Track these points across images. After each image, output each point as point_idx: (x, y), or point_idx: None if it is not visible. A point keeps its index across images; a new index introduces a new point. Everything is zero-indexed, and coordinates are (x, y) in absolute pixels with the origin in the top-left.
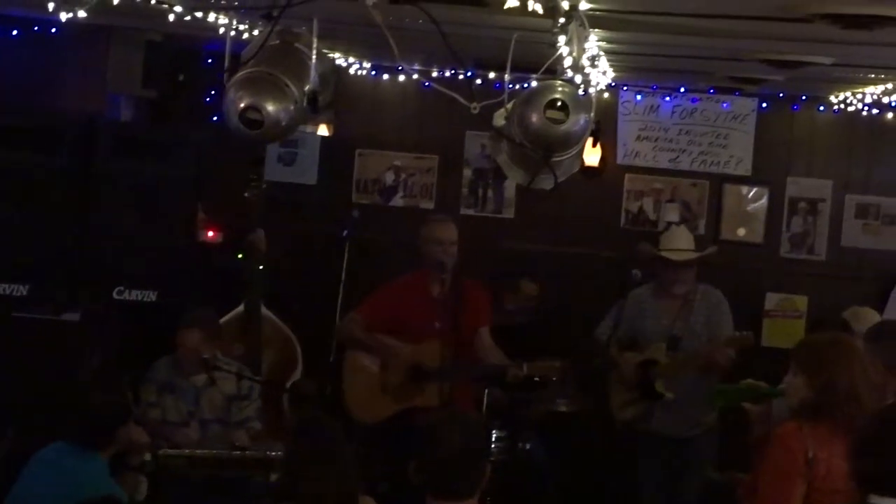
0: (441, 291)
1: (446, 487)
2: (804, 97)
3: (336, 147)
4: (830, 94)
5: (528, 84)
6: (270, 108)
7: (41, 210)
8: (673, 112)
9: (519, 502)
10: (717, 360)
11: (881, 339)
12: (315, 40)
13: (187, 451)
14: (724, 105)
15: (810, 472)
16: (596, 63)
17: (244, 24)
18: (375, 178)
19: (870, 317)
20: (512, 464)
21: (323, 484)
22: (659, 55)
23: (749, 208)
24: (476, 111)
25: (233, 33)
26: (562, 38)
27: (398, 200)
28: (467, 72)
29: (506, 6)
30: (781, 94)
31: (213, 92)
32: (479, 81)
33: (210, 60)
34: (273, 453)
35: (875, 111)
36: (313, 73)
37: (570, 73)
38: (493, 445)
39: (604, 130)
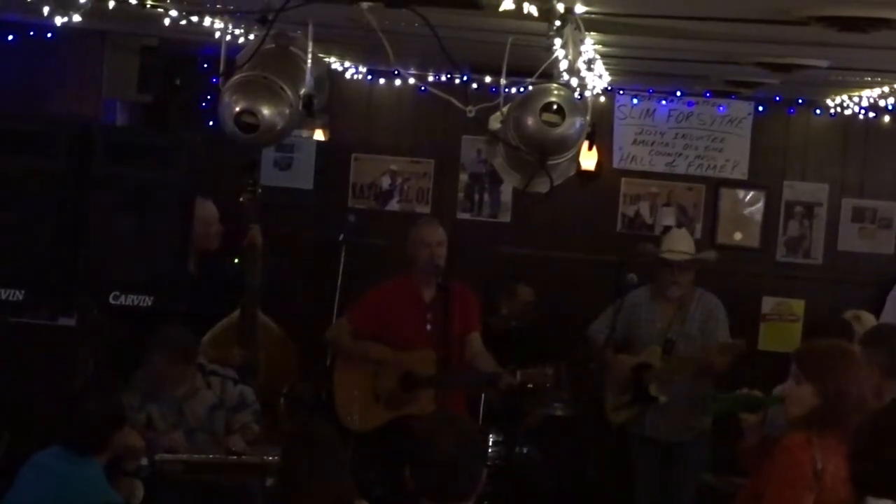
0: (431, 295)
1: (442, 492)
2: (800, 101)
3: (332, 151)
4: (826, 97)
5: (524, 88)
6: (266, 111)
7: (36, 215)
8: (669, 116)
9: None
10: (710, 366)
11: (877, 343)
12: (310, 44)
13: (184, 455)
14: (721, 109)
15: (818, 484)
16: (592, 67)
17: (239, 28)
18: (371, 182)
19: (870, 321)
20: (509, 468)
21: (319, 489)
22: (655, 59)
23: (745, 212)
24: (472, 115)
25: (228, 38)
26: (557, 42)
27: (394, 205)
28: (463, 76)
29: (501, 9)
30: (777, 98)
31: (208, 97)
32: (474, 86)
33: (205, 65)
34: (269, 458)
35: (871, 115)
36: (308, 77)
37: (565, 77)
38: (489, 450)
39: (600, 134)
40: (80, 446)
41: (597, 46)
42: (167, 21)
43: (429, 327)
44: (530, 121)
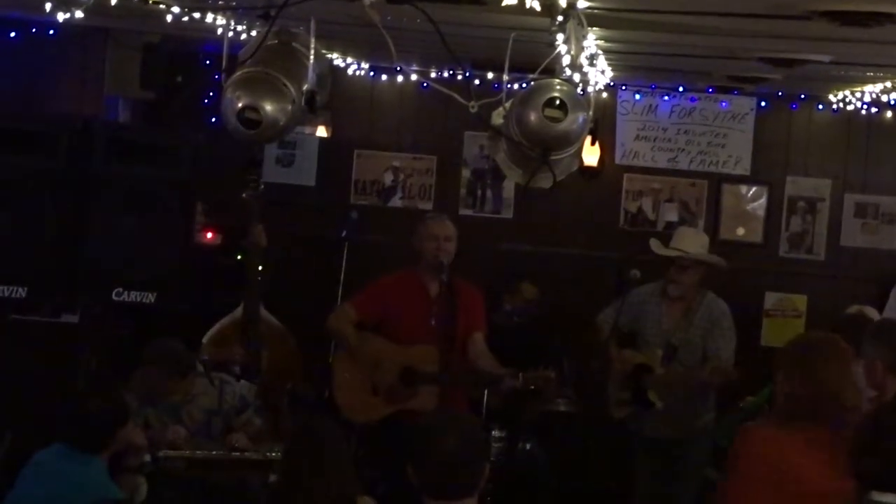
0: (437, 290)
1: (444, 488)
2: (803, 96)
3: (334, 148)
4: (829, 92)
5: (527, 83)
6: (268, 107)
7: (38, 212)
8: (671, 112)
9: (518, 502)
10: (704, 386)
11: (881, 338)
12: (313, 40)
13: (187, 452)
14: (723, 104)
15: (784, 478)
16: (594, 62)
17: (241, 24)
18: (374, 179)
19: (873, 316)
20: (511, 464)
21: (321, 485)
22: (657, 54)
23: (748, 208)
24: (475, 110)
25: (230, 34)
26: (560, 37)
27: (397, 201)
28: (465, 72)
29: (503, 4)
30: (780, 94)
31: (210, 93)
32: (477, 82)
33: (207, 62)
34: (272, 455)
35: (874, 110)
36: (311, 73)
37: (568, 73)
38: (492, 446)
39: (602, 130)
40: (83, 444)
41: (599, 42)
42: (169, 17)
43: (433, 322)
44: (533, 116)
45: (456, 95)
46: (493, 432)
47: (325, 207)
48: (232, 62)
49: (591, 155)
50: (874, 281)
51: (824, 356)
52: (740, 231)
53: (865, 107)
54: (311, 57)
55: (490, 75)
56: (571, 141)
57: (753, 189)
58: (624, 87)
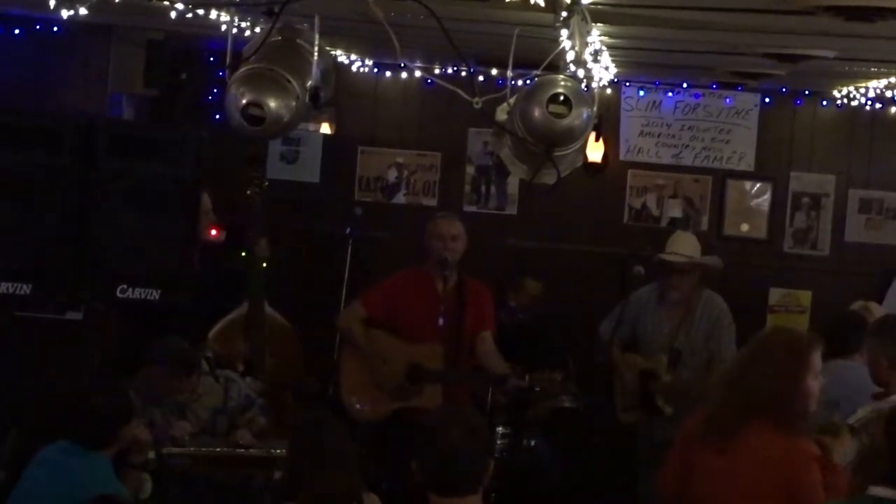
0: (444, 289)
1: (448, 483)
2: (807, 92)
3: (338, 145)
4: (833, 88)
5: (531, 79)
6: (272, 103)
7: (42, 209)
8: (675, 108)
9: (524, 499)
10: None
11: (884, 333)
12: (317, 36)
13: (191, 449)
14: (727, 100)
15: None
16: (598, 58)
17: (245, 21)
18: (378, 175)
19: (878, 312)
20: (516, 461)
21: (326, 482)
22: (661, 50)
23: (752, 204)
24: (479, 106)
25: (234, 30)
26: (564, 33)
27: (401, 198)
28: (469, 68)
29: None
30: (784, 89)
31: (214, 90)
32: (481, 78)
33: (211, 59)
34: (277, 451)
35: (878, 105)
36: (315, 70)
37: (572, 69)
38: (497, 442)
39: (606, 126)
40: (88, 440)
41: (603, 37)
42: (173, 14)
43: (441, 320)
44: (537, 112)
45: (460, 91)
46: (498, 429)
47: (329, 204)
48: (236, 59)
49: (595, 151)
50: (879, 276)
51: (761, 355)
52: (744, 227)
53: (869, 102)
54: (315, 53)
55: (494, 71)
56: (575, 137)
57: (758, 185)
58: (628, 84)
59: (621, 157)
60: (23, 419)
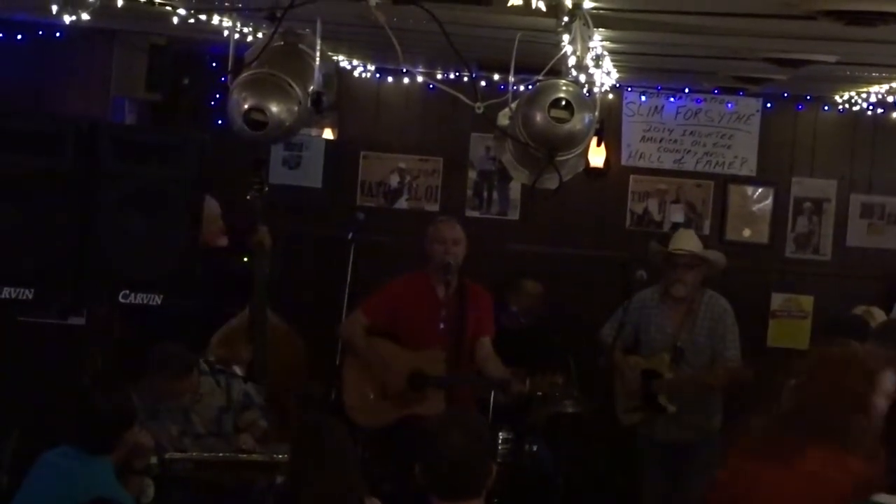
0: (446, 293)
1: (451, 489)
2: (808, 97)
3: (340, 150)
4: (835, 93)
5: (533, 84)
6: (274, 108)
7: (44, 213)
8: (677, 113)
9: (526, 503)
10: (713, 387)
11: (888, 338)
12: (318, 41)
13: (194, 454)
14: (729, 105)
15: None
16: (600, 63)
17: (248, 26)
18: (380, 180)
19: (881, 316)
20: (518, 465)
21: (328, 486)
22: (663, 54)
23: (754, 209)
24: (480, 111)
25: (236, 36)
26: (566, 38)
27: (403, 203)
28: (471, 73)
29: (509, 4)
30: (786, 94)
31: (216, 95)
32: (483, 83)
33: (213, 64)
34: (279, 456)
35: (880, 110)
36: (317, 74)
37: (574, 74)
38: (499, 447)
39: (608, 131)
40: (90, 445)
41: (605, 43)
42: (175, 19)
43: (442, 326)
44: (539, 117)
45: (462, 96)
46: (501, 433)
47: (332, 209)
48: (238, 64)
49: (597, 156)
50: (881, 281)
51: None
52: (746, 232)
53: (871, 107)
54: (317, 58)
55: (496, 76)
56: (577, 141)
57: (759, 190)
58: (629, 89)
59: (623, 162)
60: (25, 423)
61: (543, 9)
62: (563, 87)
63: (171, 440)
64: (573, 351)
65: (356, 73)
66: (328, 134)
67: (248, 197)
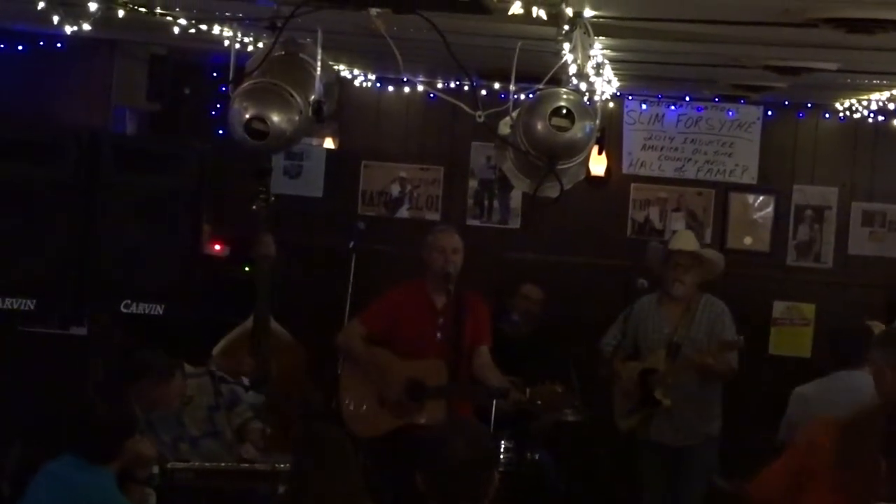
0: (444, 302)
1: (453, 497)
2: (809, 105)
3: (341, 159)
4: (835, 101)
5: (533, 93)
6: (275, 118)
7: (46, 223)
8: (678, 121)
9: None
10: (709, 366)
11: (889, 345)
12: (319, 50)
13: (196, 464)
14: (730, 113)
15: None
16: (601, 71)
17: (248, 36)
18: (381, 189)
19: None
20: (520, 473)
21: (330, 495)
22: (663, 63)
23: (755, 216)
24: (481, 120)
25: (237, 45)
26: (566, 46)
27: (404, 212)
28: (472, 82)
29: (510, 13)
30: (786, 102)
31: (217, 105)
32: (483, 92)
33: (214, 73)
34: (280, 465)
35: (880, 118)
36: (318, 84)
37: (574, 82)
38: (501, 456)
39: (609, 140)
40: (92, 455)
41: (605, 51)
42: (176, 29)
43: (439, 335)
44: (539, 125)
45: (463, 105)
46: (502, 442)
47: (333, 218)
48: (239, 73)
49: (598, 164)
50: (882, 288)
51: None
52: (748, 240)
53: (872, 115)
54: (318, 67)
55: (497, 85)
56: (578, 149)
57: (760, 198)
58: (630, 97)
59: (624, 171)
60: (27, 433)
61: (544, 17)
62: (564, 96)
63: (167, 449)
64: (574, 359)
65: (357, 83)
66: (329, 143)
67: (254, 207)
